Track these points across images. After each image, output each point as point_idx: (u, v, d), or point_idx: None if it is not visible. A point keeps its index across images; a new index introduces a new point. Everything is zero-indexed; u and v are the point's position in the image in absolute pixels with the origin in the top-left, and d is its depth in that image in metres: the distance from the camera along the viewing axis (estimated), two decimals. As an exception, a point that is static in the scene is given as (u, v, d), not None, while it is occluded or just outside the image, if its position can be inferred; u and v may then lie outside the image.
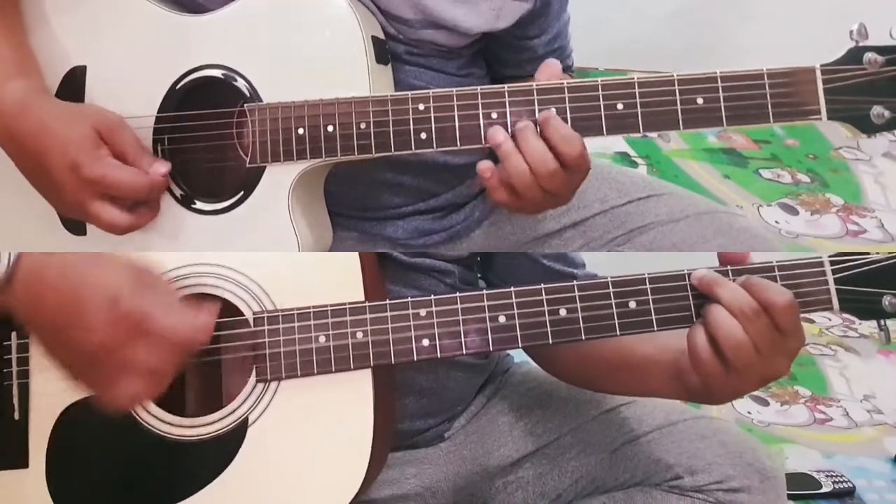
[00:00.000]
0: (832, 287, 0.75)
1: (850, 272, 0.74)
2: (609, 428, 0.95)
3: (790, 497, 0.92)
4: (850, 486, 1.50)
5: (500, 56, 0.98)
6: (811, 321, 1.80)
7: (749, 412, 1.71)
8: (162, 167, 0.81)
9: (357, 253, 0.80)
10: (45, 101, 0.80)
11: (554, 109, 0.76)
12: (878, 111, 0.73)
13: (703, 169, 1.88)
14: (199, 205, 0.84)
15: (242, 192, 0.83)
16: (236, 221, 0.83)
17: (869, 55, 0.73)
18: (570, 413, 0.97)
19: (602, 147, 1.91)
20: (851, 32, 0.73)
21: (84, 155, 0.77)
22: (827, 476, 1.51)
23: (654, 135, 1.94)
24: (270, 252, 0.81)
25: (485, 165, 0.77)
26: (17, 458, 0.79)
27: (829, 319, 1.81)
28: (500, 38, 0.94)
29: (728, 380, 0.73)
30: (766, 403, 1.73)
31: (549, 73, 0.78)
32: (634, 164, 1.88)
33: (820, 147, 1.87)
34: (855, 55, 0.73)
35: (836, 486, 1.49)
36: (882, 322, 0.75)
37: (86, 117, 0.79)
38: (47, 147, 0.77)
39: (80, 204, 0.79)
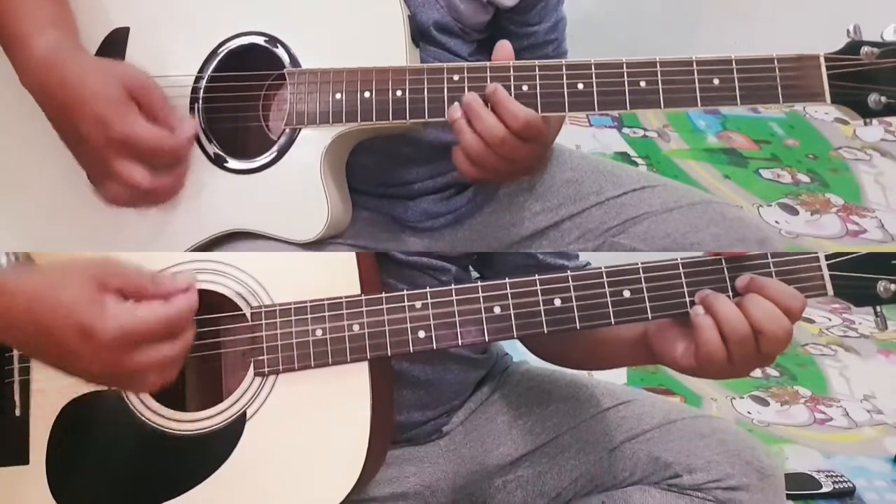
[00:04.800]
0: (825, 273, 0.76)
1: (844, 258, 0.76)
2: (608, 427, 0.95)
3: (790, 497, 0.92)
4: (850, 486, 1.49)
5: None
6: (811, 321, 1.81)
7: (749, 412, 1.71)
8: (189, 127, 0.82)
9: (354, 252, 0.81)
10: (78, 55, 0.81)
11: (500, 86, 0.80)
12: (875, 98, 0.78)
13: (703, 169, 1.88)
14: (231, 164, 0.85)
15: (276, 154, 0.84)
16: (267, 182, 0.84)
17: (865, 48, 0.78)
18: (568, 412, 0.97)
19: (603, 146, 1.92)
20: (848, 31, 0.79)
21: (113, 112, 0.77)
22: (827, 476, 1.50)
23: (654, 135, 1.94)
24: (269, 252, 0.82)
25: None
26: (17, 455, 0.79)
27: (829, 319, 1.81)
28: (503, 26, 0.96)
29: (726, 369, 0.75)
30: (766, 403, 1.73)
31: (504, 52, 0.82)
32: (634, 164, 1.88)
33: (820, 147, 1.88)
34: (853, 47, 0.79)
35: (836, 486, 1.49)
36: (878, 309, 0.77)
37: (116, 74, 0.79)
38: (77, 101, 0.78)
39: (105, 160, 0.79)
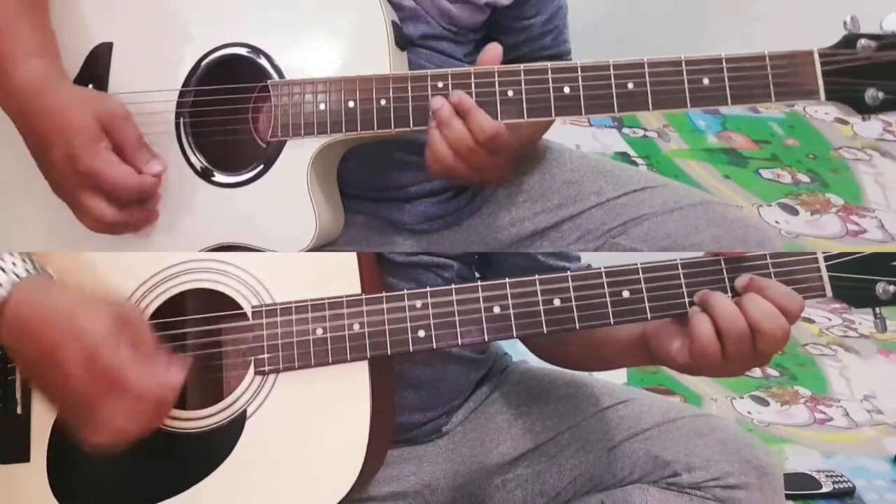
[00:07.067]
0: (825, 274, 0.76)
1: (843, 259, 0.76)
2: (607, 426, 0.96)
3: (790, 497, 0.92)
4: (850, 486, 1.50)
5: (500, 42, 0.99)
6: (811, 321, 1.81)
7: (749, 412, 1.71)
8: (157, 166, 0.81)
9: (355, 253, 0.81)
10: (59, 85, 0.81)
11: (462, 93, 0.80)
12: (873, 93, 0.77)
13: (703, 169, 1.88)
14: (218, 177, 0.85)
15: (262, 166, 0.84)
16: (255, 194, 0.84)
17: (862, 41, 0.76)
18: (568, 411, 0.98)
19: (603, 146, 1.92)
20: (845, 23, 0.77)
21: (81, 146, 0.78)
22: (827, 476, 1.51)
23: (654, 135, 1.95)
24: (271, 252, 0.82)
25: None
26: (19, 453, 0.80)
27: (829, 319, 1.82)
28: (499, 22, 0.96)
29: (720, 366, 0.76)
30: (766, 403, 1.73)
31: (491, 56, 0.81)
32: (634, 164, 1.88)
33: (820, 147, 1.88)
34: (849, 41, 0.77)
35: (836, 486, 1.49)
36: (877, 310, 0.76)
37: (92, 107, 0.80)
38: (51, 132, 0.78)
39: (73, 194, 0.80)
